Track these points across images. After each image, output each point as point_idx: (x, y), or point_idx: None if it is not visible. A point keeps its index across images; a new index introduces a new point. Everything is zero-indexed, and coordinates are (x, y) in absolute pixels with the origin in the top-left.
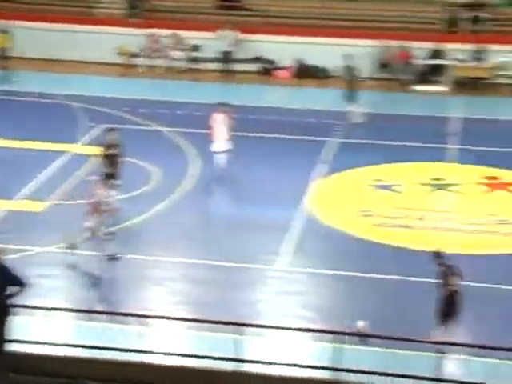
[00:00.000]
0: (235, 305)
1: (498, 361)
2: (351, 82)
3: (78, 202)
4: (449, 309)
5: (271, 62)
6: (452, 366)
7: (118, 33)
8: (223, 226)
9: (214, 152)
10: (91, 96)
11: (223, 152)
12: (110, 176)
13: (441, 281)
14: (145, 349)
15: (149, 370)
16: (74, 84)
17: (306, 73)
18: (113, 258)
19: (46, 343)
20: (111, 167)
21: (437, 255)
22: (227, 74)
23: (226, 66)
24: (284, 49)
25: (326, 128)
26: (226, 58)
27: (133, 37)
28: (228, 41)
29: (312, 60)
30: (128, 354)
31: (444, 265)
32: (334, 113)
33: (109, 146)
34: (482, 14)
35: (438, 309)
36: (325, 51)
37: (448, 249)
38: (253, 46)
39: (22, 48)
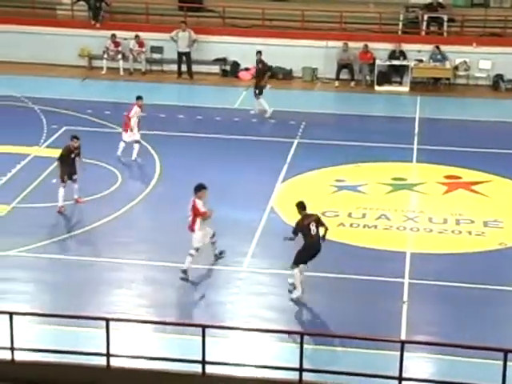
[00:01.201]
0: (202, 307)
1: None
2: (258, 78)
3: (41, 205)
4: (304, 252)
5: (234, 63)
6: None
7: (81, 35)
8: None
9: (127, 142)
10: (54, 98)
11: (131, 142)
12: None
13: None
14: (111, 352)
15: (115, 374)
16: (37, 86)
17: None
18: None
19: (11, 348)
20: (70, 168)
21: (298, 206)
22: (188, 76)
23: (185, 68)
24: (246, 50)
25: (288, 129)
26: (181, 59)
27: (95, 39)
28: (183, 42)
29: (274, 61)
30: (94, 357)
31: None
32: (296, 114)
33: (71, 151)
34: (441, 15)
35: (299, 252)
36: (287, 52)
37: (413, 248)
38: (214, 47)
39: None
